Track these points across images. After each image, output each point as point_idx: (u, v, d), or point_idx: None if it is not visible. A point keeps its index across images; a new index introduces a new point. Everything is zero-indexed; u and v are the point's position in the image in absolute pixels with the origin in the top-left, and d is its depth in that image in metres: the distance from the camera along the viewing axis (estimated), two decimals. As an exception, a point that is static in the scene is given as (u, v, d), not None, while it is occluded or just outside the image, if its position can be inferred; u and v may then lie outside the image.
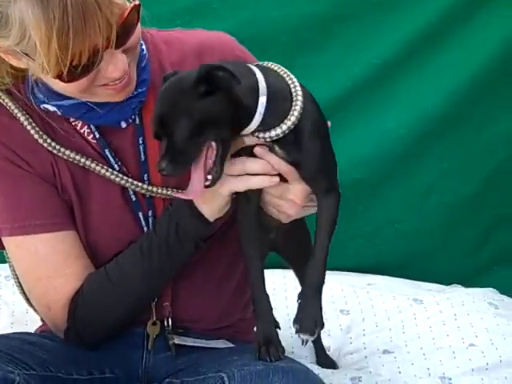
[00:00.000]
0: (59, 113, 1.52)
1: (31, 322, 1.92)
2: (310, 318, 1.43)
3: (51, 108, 1.51)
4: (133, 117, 1.55)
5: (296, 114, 1.38)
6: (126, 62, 1.39)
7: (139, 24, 1.42)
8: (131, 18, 1.38)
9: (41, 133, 1.52)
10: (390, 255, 2.63)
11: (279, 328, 1.52)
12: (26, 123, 1.51)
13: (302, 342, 1.45)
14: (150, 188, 1.56)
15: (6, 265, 1.68)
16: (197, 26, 1.66)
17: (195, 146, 1.33)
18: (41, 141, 1.51)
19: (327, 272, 2.24)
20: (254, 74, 1.37)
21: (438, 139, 2.52)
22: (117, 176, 1.54)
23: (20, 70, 1.47)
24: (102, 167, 1.53)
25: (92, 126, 1.55)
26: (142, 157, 1.56)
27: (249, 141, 1.41)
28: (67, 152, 1.52)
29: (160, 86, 1.40)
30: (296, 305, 1.47)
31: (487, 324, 2.18)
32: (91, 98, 1.46)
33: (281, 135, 1.38)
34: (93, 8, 1.29)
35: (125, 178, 1.54)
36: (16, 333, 1.64)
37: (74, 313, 1.55)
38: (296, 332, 1.44)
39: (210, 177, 1.35)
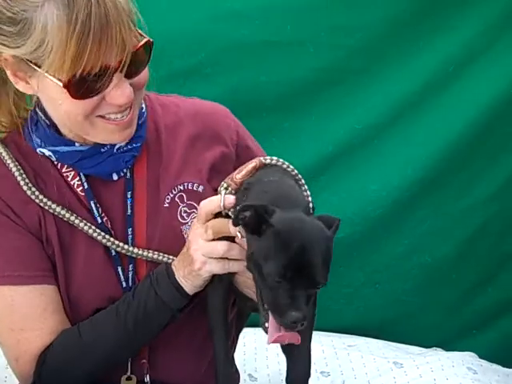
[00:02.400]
0: (54, 158, 1.54)
1: (10, 380, 1.83)
2: None
3: (47, 152, 1.53)
4: (124, 171, 1.57)
5: None
6: (133, 93, 1.43)
7: (147, 70, 1.47)
8: (144, 52, 1.43)
9: (30, 185, 1.53)
10: (371, 316, 2.63)
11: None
12: (16, 174, 1.53)
13: None
14: (130, 249, 1.55)
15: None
16: (189, 89, 1.73)
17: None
18: (29, 193, 1.53)
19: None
20: None
21: (419, 201, 2.56)
22: (99, 234, 1.54)
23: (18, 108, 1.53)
24: (86, 224, 1.54)
25: (82, 177, 1.56)
26: (129, 211, 1.57)
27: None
28: (53, 206, 1.53)
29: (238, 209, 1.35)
30: (276, 364, 1.47)
31: (466, 389, 2.18)
32: (89, 132, 1.47)
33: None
34: (114, 21, 1.34)
35: (107, 236, 1.54)
36: None
37: (41, 368, 1.53)
38: None
39: None
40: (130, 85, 1.43)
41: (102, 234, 1.54)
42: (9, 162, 1.54)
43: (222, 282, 1.48)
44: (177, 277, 1.49)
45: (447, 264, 2.62)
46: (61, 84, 1.37)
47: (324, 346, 2.40)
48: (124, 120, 1.46)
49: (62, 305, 1.56)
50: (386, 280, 2.61)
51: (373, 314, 2.63)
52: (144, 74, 1.47)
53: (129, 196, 1.57)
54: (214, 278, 1.48)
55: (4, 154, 1.54)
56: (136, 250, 1.55)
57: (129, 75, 1.42)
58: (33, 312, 1.53)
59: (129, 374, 1.59)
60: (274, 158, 1.45)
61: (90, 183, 1.56)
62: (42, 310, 1.53)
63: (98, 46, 1.34)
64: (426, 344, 2.57)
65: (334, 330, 2.55)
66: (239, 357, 1.81)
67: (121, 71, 1.40)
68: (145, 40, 1.43)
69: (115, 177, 1.57)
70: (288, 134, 2.48)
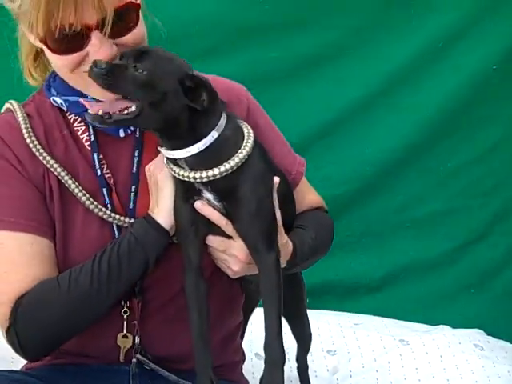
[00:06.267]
0: (65, 106, 1.56)
1: (16, 361, 1.83)
2: None
3: (59, 100, 1.56)
4: (132, 129, 1.57)
5: (237, 160, 1.41)
6: (116, 52, 1.44)
7: (142, 28, 1.49)
8: (128, 13, 1.45)
9: (35, 141, 1.54)
10: (375, 266, 2.79)
11: None
12: (23, 126, 1.54)
13: None
14: (122, 219, 1.54)
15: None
16: (207, 67, 1.77)
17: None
18: (33, 149, 1.53)
19: (314, 311, 2.16)
20: (221, 113, 1.43)
21: (409, 163, 2.79)
22: (96, 206, 1.53)
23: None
24: (84, 194, 1.53)
25: (91, 130, 1.56)
26: (134, 169, 1.57)
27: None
28: (55, 166, 1.53)
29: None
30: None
31: (472, 366, 2.17)
32: (81, 84, 1.49)
33: (217, 176, 1.40)
34: None
35: (101, 208, 1.54)
36: (2, 370, 1.60)
37: (17, 311, 1.50)
38: None
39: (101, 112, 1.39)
40: (117, 45, 1.45)
41: (98, 205, 1.54)
42: (19, 115, 1.56)
43: (191, 265, 1.49)
44: (152, 213, 1.50)
45: (437, 219, 2.81)
46: (38, 40, 1.43)
47: (331, 325, 2.40)
48: None
49: (57, 264, 1.54)
50: (383, 232, 2.81)
51: (376, 263, 2.80)
52: (134, 36, 1.47)
53: (136, 154, 1.58)
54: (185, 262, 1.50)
55: (16, 107, 1.58)
56: (128, 220, 1.55)
57: (113, 35, 1.44)
58: (20, 259, 1.51)
59: (125, 332, 1.58)
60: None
61: (97, 138, 1.57)
62: (30, 257, 1.51)
63: (71, 6, 1.37)
64: (432, 321, 2.61)
65: (344, 285, 2.76)
66: (246, 337, 1.85)
67: (100, 31, 1.42)
68: (127, 1, 1.44)
69: (122, 133, 1.57)
70: (294, 102, 2.69)
